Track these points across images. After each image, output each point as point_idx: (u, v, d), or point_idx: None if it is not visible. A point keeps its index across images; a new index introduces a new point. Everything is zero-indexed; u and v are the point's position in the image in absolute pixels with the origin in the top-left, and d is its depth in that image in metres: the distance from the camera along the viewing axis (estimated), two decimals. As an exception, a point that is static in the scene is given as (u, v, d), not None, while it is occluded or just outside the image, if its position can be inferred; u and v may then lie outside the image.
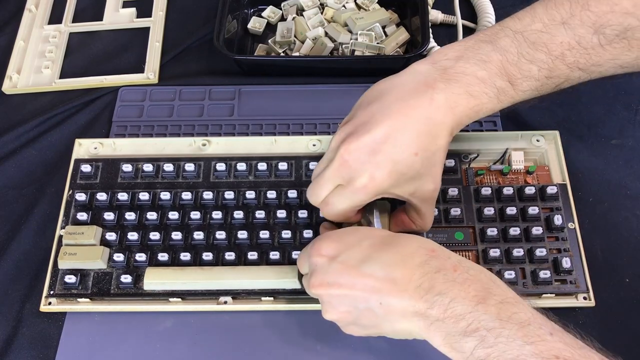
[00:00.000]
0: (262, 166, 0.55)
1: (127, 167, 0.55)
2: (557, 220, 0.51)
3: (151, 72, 0.66)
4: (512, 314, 0.37)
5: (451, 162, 0.54)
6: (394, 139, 0.42)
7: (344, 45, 0.65)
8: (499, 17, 0.68)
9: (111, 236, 0.52)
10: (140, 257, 0.51)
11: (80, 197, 0.54)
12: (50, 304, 0.51)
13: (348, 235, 0.43)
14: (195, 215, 0.53)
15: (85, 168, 0.56)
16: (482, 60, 0.43)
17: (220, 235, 0.52)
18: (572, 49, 0.43)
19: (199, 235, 0.52)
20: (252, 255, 0.51)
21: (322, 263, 0.42)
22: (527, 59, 0.44)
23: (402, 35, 0.66)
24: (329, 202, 0.45)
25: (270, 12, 0.70)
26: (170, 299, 0.51)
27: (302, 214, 0.53)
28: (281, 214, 0.53)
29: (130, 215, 0.53)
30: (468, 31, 0.69)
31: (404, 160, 0.43)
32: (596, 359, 0.36)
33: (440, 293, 0.38)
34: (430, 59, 0.45)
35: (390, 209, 0.50)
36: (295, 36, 0.67)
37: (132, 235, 0.52)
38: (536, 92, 0.46)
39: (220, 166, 0.55)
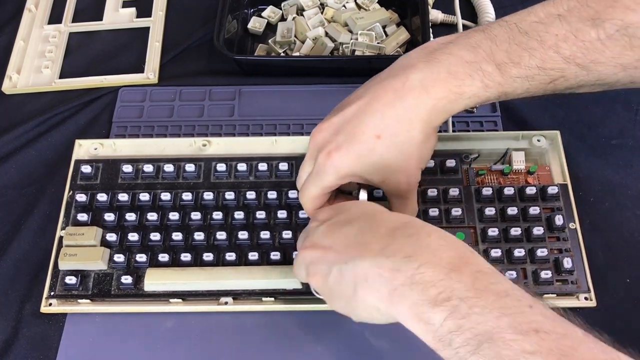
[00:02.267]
0: (262, 166, 0.55)
1: (127, 168, 0.55)
2: (558, 220, 0.51)
3: (151, 72, 0.66)
4: (488, 284, 0.34)
5: (452, 162, 0.54)
6: (358, 119, 0.43)
7: (344, 45, 0.65)
8: (499, 17, 0.68)
9: (111, 237, 0.52)
10: (141, 257, 0.51)
11: (81, 197, 0.54)
12: (50, 305, 0.51)
13: (345, 205, 0.44)
14: (195, 215, 0.53)
15: (86, 169, 0.56)
16: (472, 46, 0.43)
17: (221, 235, 0.52)
18: (568, 41, 0.42)
19: (199, 235, 0.52)
20: (253, 256, 0.51)
21: (313, 227, 0.43)
22: (517, 45, 0.42)
23: (403, 35, 0.66)
24: (302, 188, 0.47)
25: (270, 12, 0.70)
26: (171, 300, 0.51)
27: (303, 214, 0.52)
28: (282, 214, 0.53)
29: (130, 216, 0.53)
30: (468, 31, 0.69)
31: (364, 142, 0.42)
32: (579, 332, 0.33)
33: (408, 256, 0.35)
34: (424, 44, 0.45)
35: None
36: (295, 36, 0.67)
37: (133, 236, 0.52)
38: (528, 81, 0.43)
39: (221, 166, 0.55)
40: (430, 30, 0.63)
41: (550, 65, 0.42)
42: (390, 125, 0.42)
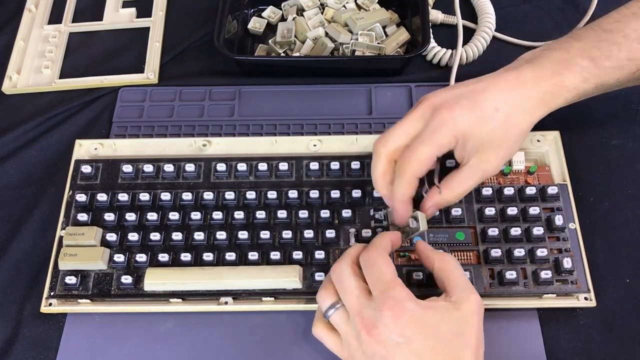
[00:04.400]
0: (262, 166, 0.55)
1: (127, 168, 0.55)
2: (558, 220, 0.51)
3: (151, 72, 0.66)
4: None
5: (452, 163, 0.54)
6: (481, 92, 0.46)
7: (344, 46, 0.65)
8: (499, 17, 0.68)
9: (111, 237, 0.52)
10: (141, 257, 0.51)
11: (81, 197, 0.54)
12: (50, 305, 0.51)
13: (428, 325, 0.41)
14: (195, 215, 0.53)
15: (86, 169, 0.56)
16: (565, 48, 0.48)
17: (221, 235, 0.52)
18: None
19: (199, 235, 0.52)
20: (253, 256, 0.51)
21: (395, 335, 0.40)
22: (605, 41, 0.48)
23: (403, 35, 0.66)
24: (411, 146, 0.45)
25: (270, 12, 0.70)
26: (171, 300, 0.51)
27: (303, 214, 0.53)
28: (282, 214, 0.53)
29: (130, 216, 0.53)
30: (468, 31, 0.69)
31: (485, 110, 0.45)
32: None
33: None
34: (519, 56, 0.50)
35: None
36: (295, 36, 0.67)
37: (133, 236, 0.52)
38: (619, 71, 0.48)
39: (221, 166, 0.55)
40: (431, 30, 0.63)
41: (636, 55, 0.48)
42: (509, 104, 0.46)
